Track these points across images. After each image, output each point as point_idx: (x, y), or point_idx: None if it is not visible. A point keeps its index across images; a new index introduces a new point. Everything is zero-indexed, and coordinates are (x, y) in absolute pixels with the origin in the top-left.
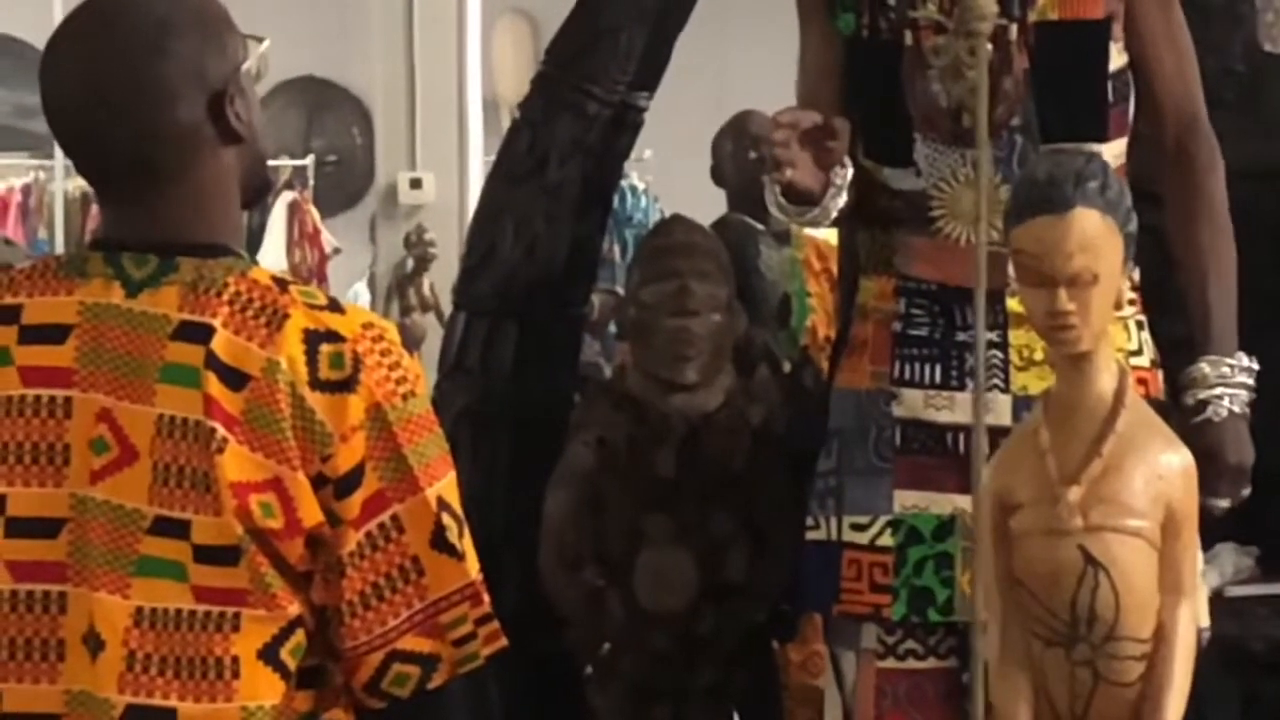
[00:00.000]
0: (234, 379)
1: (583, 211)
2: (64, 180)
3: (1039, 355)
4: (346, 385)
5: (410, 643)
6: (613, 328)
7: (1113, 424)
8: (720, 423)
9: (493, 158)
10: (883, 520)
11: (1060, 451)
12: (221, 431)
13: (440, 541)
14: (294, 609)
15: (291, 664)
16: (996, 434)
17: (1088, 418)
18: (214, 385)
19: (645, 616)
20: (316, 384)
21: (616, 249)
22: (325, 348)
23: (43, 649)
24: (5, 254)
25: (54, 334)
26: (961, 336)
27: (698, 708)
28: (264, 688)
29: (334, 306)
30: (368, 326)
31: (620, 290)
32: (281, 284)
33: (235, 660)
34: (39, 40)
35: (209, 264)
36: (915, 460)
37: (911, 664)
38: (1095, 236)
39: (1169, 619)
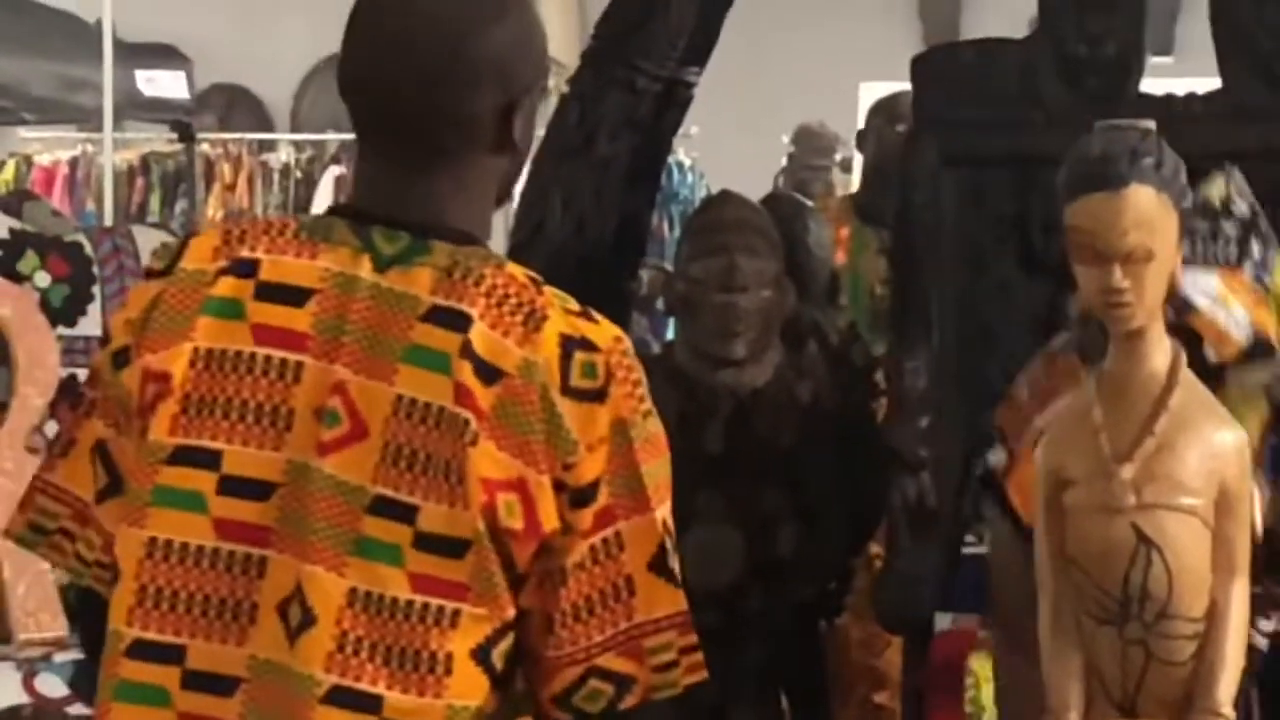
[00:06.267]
0: (487, 373)
1: (632, 187)
2: (112, 153)
3: None
4: (598, 395)
5: (611, 661)
6: (660, 304)
7: (1166, 401)
8: (769, 398)
9: (541, 132)
10: None
11: (1113, 429)
12: (475, 423)
13: (659, 564)
14: (511, 611)
15: (499, 666)
16: None
17: (1141, 395)
18: (467, 375)
19: (693, 594)
20: (568, 390)
21: (664, 225)
22: (580, 355)
23: (235, 610)
24: (54, 225)
25: (293, 296)
26: None
27: (745, 686)
28: (473, 688)
29: (586, 314)
30: (619, 340)
31: (668, 266)
32: (536, 283)
33: (449, 657)
34: (89, 14)
35: (463, 251)
36: None
37: None
38: (1150, 213)
39: (1222, 598)
